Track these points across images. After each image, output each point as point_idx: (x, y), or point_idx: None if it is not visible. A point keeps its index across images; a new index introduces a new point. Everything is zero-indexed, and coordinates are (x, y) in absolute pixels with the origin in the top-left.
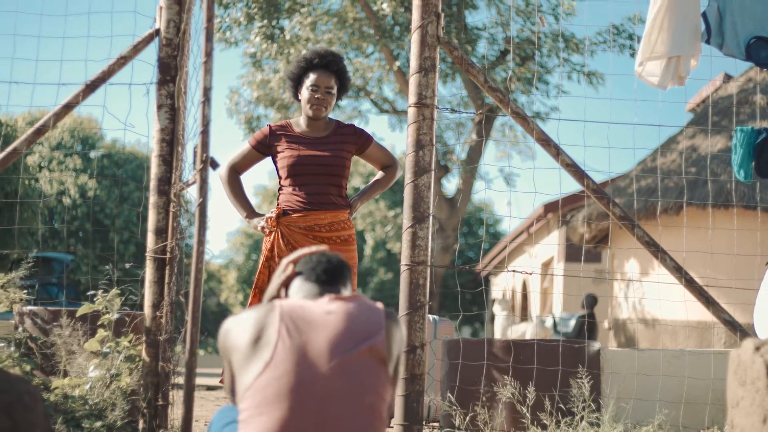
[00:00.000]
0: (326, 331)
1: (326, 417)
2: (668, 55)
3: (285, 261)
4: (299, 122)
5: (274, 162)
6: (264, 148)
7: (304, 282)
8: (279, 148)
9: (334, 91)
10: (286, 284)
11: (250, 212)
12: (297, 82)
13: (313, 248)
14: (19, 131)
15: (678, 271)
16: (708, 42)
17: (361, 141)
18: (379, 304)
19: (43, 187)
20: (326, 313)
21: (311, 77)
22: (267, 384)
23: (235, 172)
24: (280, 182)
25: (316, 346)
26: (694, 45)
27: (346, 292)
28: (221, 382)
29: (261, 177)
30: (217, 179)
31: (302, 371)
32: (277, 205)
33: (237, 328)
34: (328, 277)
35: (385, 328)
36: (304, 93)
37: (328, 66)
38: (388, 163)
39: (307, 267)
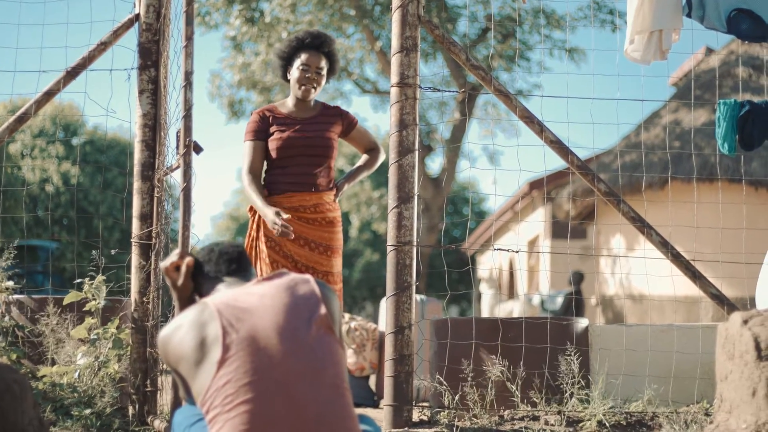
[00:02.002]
0: (268, 315)
1: (293, 399)
2: (650, 30)
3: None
4: (286, 103)
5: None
6: (264, 134)
7: (215, 281)
8: (270, 130)
9: (324, 72)
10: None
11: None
12: (287, 61)
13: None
14: (1, 119)
15: (664, 246)
16: (689, 15)
17: (346, 122)
18: (306, 275)
19: (26, 176)
20: (260, 296)
21: (302, 57)
22: (226, 381)
23: (255, 175)
24: (267, 165)
25: (263, 333)
26: (675, 19)
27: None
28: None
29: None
30: (200, 163)
31: (257, 360)
32: (264, 187)
33: (175, 337)
34: (237, 265)
35: (321, 297)
36: (294, 73)
37: (320, 46)
38: (371, 147)
39: (211, 266)
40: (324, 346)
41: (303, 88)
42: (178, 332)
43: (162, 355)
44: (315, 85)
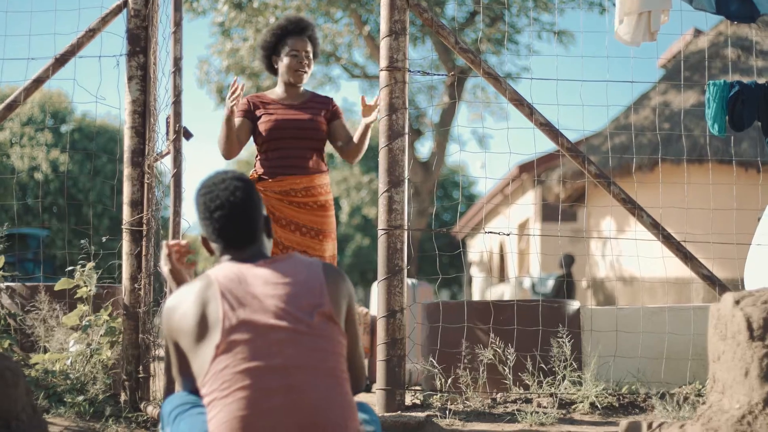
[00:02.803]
0: (270, 301)
1: (291, 388)
2: (639, 11)
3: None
4: (275, 91)
5: (253, 130)
6: (251, 114)
7: (219, 245)
8: (257, 114)
9: (311, 56)
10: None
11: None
12: (272, 51)
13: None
14: None
15: (655, 227)
16: None
17: (332, 109)
18: (314, 259)
19: (15, 164)
20: (264, 283)
21: (289, 43)
22: (224, 366)
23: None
24: (257, 150)
25: (264, 320)
26: (664, 0)
27: (266, 242)
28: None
29: None
30: (190, 149)
31: (256, 347)
32: (254, 171)
33: (179, 309)
34: (244, 240)
35: (326, 285)
36: (285, 60)
37: (304, 31)
38: (349, 139)
39: (211, 232)
40: (325, 335)
41: (296, 73)
42: (182, 306)
43: (164, 326)
44: (306, 70)
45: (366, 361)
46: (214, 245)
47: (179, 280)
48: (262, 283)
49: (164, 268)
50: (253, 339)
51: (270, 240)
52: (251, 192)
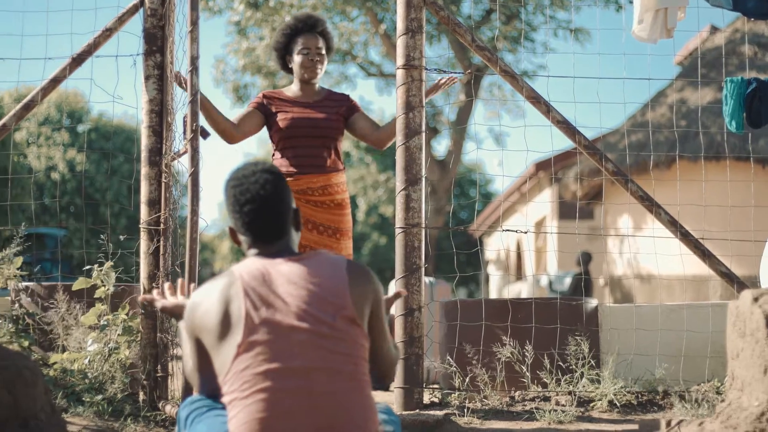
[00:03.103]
0: (293, 303)
1: (311, 391)
2: (656, 8)
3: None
4: (291, 89)
5: (269, 128)
6: (265, 108)
7: (247, 239)
8: (273, 110)
9: (324, 51)
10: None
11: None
12: (285, 51)
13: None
14: (6, 108)
15: (673, 224)
16: None
17: (350, 105)
18: (340, 258)
19: (32, 163)
20: (288, 282)
21: (300, 42)
22: (245, 366)
23: (234, 124)
24: (273, 149)
25: (287, 321)
26: None
27: (294, 235)
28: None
29: (249, 146)
30: (208, 148)
31: (277, 349)
32: None
33: (202, 306)
34: (272, 235)
35: (349, 287)
36: (297, 58)
37: (314, 28)
38: (379, 125)
39: (240, 225)
40: (346, 338)
41: (309, 70)
42: (205, 303)
43: (186, 322)
44: (319, 66)
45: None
46: (242, 238)
47: (176, 314)
48: (286, 282)
49: (158, 304)
50: (275, 340)
51: (298, 233)
52: (281, 185)
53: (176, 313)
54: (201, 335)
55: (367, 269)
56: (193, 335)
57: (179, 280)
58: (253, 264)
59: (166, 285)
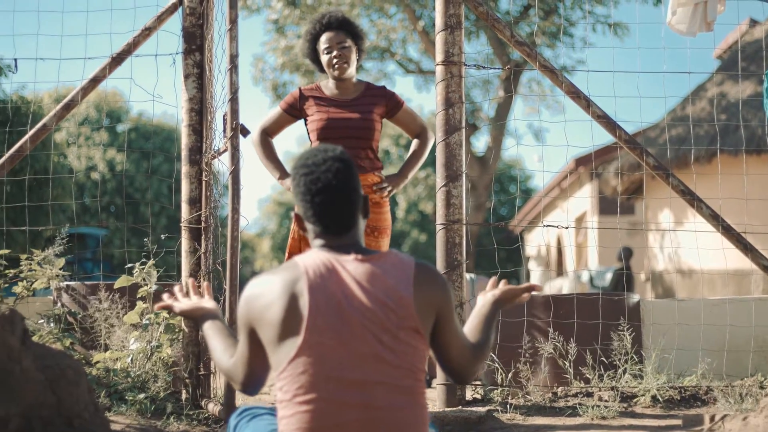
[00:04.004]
0: (358, 309)
1: (367, 407)
2: (695, 1)
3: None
4: (328, 85)
5: (306, 126)
6: (295, 111)
7: (315, 228)
8: (309, 111)
9: (348, 44)
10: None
11: (283, 173)
12: (314, 55)
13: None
14: (45, 109)
15: (715, 218)
16: None
17: (391, 104)
18: (409, 261)
19: (72, 164)
20: (355, 284)
21: (323, 40)
22: (302, 370)
23: (267, 135)
24: (311, 146)
25: (349, 329)
26: None
27: (362, 223)
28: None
29: (289, 144)
30: (248, 146)
31: (337, 358)
32: None
33: (263, 298)
34: (342, 226)
35: (413, 293)
36: (323, 59)
37: (331, 24)
38: (419, 131)
39: (310, 215)
40: (407, 350)
41: (335, 68)
42: (267, 295)
43: (244, 309)
44: (345, 61)
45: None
46: (309, 226)
47: (195, 316)
48: (353, 284)
49: (175, 308)
50: (336, 347)
51: (365, 220)
52: (352, 173)
53: (195, 315)
54: (258, 327)
55: (435, 272)
56: (249, 326)
57: (205, 284)
58: (319, 258)
59: (189, 282)
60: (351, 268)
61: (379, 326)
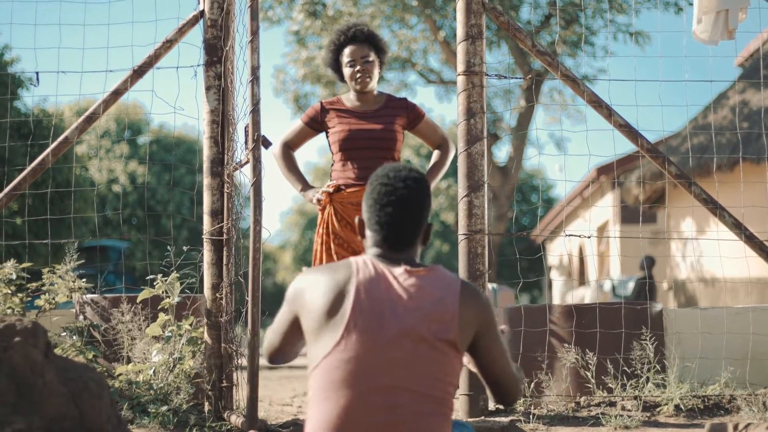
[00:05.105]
0: (399, 317)
1: (392, 410)
2: (717, 9)
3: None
4: (349, 97)
5: (327, 138)
6: (316, 124)
7: (374, 237)
8: (330, 124)
9: (371, 58)
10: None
11: (305, 185)
12: (336, 66)
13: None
14: (66, 122)
15: (737, 227)
16: None
17: (412, 116)
18: (455, 280)
19: (94, 176)
20: (401, 293)
21: (346, 54)
22: (335, 367)
23: (288, 148)
24: (333, 158)
25: (387, 333)
26: None
27: (419, 249)
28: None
29: (311, 155)
30: (269, 158)
31: (370, 362)
32: (334, 182)
33: (313, 289)
34: (401, 242)
35: (458, 311)
36: (345, 71)
37: (356, 38)
38: (440, 142)
39: (374, 222)
40: (441, 362)
41: (357, 81)
42: (317, 287)
43: (292, 295)
44: (368, 75)
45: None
46: (369, 234)
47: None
48: (398, 292)
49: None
50: (370, 351)
51: (424, 246)
52: (425, 199)
53: None
54: (302, 317)
55: (480, 293)
56: (293, 313)
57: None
58: (372, 266)
59: None
60: (400, 277)
61: (418, 335)
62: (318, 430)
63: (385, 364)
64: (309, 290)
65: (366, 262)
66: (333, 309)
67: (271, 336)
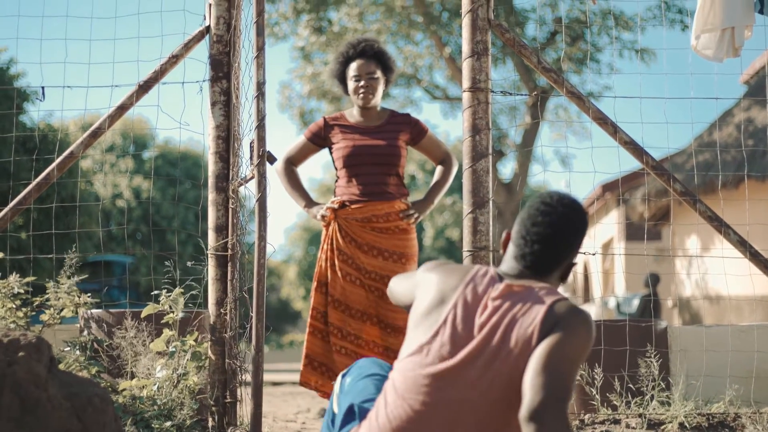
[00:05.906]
0: (483, 331)
1: (454, 423)
2: (722, 27)
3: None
4: (353, 113)
5: (331, 154)
6: (319, 140)
7: (513, 252)
8: (334, 140)
9: (377, 75)
10: (504, 245)
11: (309, 202)
12: (342, 78)
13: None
14: (72, 136)
15: (742, 244)
16: (761, 12)
17: (416, 131)
18: (548, 300)
19: (99, 191)
20: (493, 309)
21: (352, 68)
22: (411, 369)
23: (291, 164)
24: (336, 174)
25: (468, 349)
26: (747, 15)
27: (556, 279)
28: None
29: (315, 170)
30: (274, 174)
31: (447, 370)
32: (339, 199)
33: (439, 275)
34: (537, 263)
35: (538, 333)
36: (350, 85)
37: (364, 53)
38: (443, 158)
39: (519, 237)
40: (509, 387)
41: (361, 96)
42: (444, 277)
43: (426, 268)
44: (372, 92)
45: None
46: (510, 247)
47: None
48: (489, 306)
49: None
50: (447, 360)
51: (563, 282)
52: (578, 233)
53: None
54: (418, 289)
55: (565, 315)
56: (416, 283)
57: None
58: (489, 276)
59: None
60: (495, 291)
61: (492, 361)
62: (381, 425)
63: (458, 379)
64: (436, 273)
65: (490, 272)
66: (432, 309)
67: (396, 294)
